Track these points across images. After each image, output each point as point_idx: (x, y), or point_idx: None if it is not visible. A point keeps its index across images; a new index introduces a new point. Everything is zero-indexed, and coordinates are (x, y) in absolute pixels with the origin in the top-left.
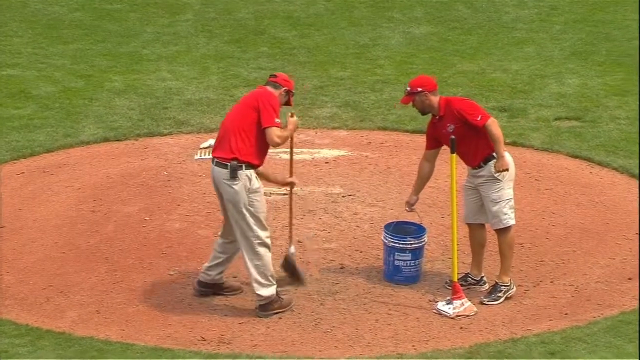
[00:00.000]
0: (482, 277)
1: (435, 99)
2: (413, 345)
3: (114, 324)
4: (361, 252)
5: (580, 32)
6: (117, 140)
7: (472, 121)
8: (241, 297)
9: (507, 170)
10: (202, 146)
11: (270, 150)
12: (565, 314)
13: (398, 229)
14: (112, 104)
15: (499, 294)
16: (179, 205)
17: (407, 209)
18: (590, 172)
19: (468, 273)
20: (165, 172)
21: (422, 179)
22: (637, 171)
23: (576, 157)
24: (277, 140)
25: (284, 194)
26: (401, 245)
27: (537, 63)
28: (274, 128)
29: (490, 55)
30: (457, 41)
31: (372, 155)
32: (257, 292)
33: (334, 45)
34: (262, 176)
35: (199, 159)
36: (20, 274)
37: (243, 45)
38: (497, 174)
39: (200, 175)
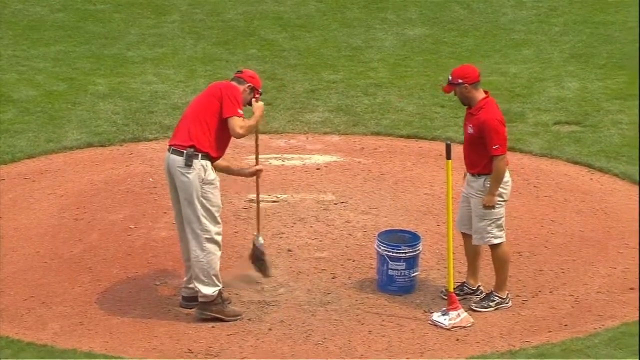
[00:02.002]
0: (479, 286)
1: (477, 93)
2: (407, 358)
3: (98, 336)
4: (354, 261)
5: (581, 33)
6: (101, 145)
7: (489, 144)
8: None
9: (492, 207)
10: None
11: (261, 156)
12: (565, 325)
13: (392, 237)
14: (95, 108)
15: (490, 303)
16: (165, 213)
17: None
18: (591, 179)
19: (464, 282)
20: (151, 179)
21: None
22: (638, 177)
23: (576, 163)
24: (240, 130)
25: (274, 202)
26: (395, 254)
27: (535, 66)
28: (236, 118)
29: (487, 58)
30: (453, 43)
31: (365, 161)
32: (197, 286)
33: (325, 47)
34: (225, 170)
35: None
36: (0, 284)
37: (231, 47)
38: (483, 207)
39: None
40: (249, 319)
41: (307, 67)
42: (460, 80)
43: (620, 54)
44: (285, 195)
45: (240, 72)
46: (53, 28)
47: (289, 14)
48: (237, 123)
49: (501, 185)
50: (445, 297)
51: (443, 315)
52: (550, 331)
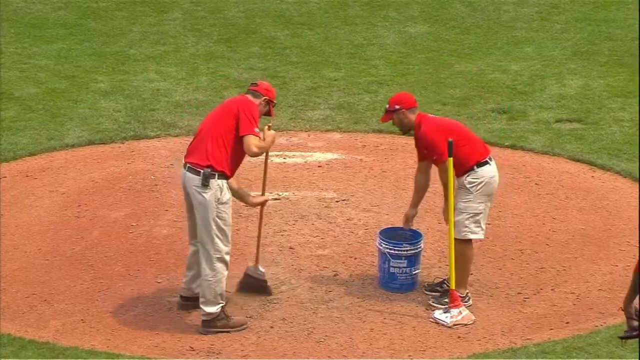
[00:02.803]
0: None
1: (413, 117)
2: (409, 355)
3: (100, 334)
4: (355, 258)
5: (582, 31)
6: (103, 143)
7: (430, 157)
8: (230, 306)
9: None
10: None
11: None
12: (567, 322)
13: (393, 234)
14: (97, 106)
15: (448, 300)
16: (167, 210)
17: (404, 225)
18: (592, 176)
19: (445, 279)
20: (152, 177)
21: (419, 192)
22: (638, 175)
23: (578, 160)
24: (255, 149)
25: (275, 199)
26: (397, 252)
27: (537, 63)
28: (252, 137)
29: (489, 56)
30: (455, 41)
31: (366, 159)
32: (202, 307)
33: (327, 45)
34: (233, 192)
35: None
36: (2, 281)
37: (233, 45)
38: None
39: None
40: (250, 317)
41: (309, 65)
42: (397, 107)
43: (621, 52)
44: (286, 193)
45: (256, 84)
46: (55, 26)
47: (291, 11)
48: (254, 142)
49: (486, 181)
50: (428, 293)
51: (444, 312)
52: (551, 329)
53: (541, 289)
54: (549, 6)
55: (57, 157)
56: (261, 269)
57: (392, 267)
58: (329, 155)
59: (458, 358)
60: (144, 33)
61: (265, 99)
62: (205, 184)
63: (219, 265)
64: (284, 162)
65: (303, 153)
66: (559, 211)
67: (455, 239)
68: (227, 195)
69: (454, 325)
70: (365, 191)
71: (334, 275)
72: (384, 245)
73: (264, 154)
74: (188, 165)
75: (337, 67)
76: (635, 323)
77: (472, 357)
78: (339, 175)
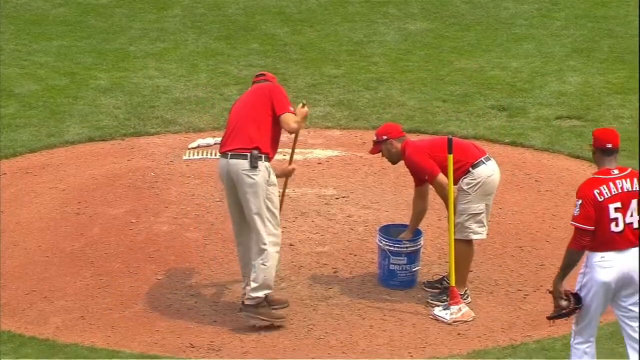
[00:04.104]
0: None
1: (400, 146)
2: (409, 352)
3: (100, 330)
4: (355, 255)
5: (582, 28)
6: (103, 140)
7: (422, 178)
8: (231, 302)
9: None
10: (190, 146)
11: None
12: (567, 319)
13: (393, 231)
14: (97, 103)
15: (447, 298)
16: (166, 207)
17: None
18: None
19: (444, 276)
20: (152, 173)
21: (417, 217)
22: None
23: (577, 157)
24: (294, 125)
25: None
26: (396, 249)
27: (537, 60)
28: (289, 114)
29: (488, 52)
30: (455, 37)
31: (366, 156)
32: (250, 291)
33: (327, 42)
34: None
35: (187, 159)
36: (2, 278)
37: (233, 41)
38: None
39: (188, 177)
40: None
41: (309, 62)
42: (385, 137)
43: (621, 49)
44: (286, 190)
45: (263, 74)
46: (55, 22)
47: (291, 8)
48: (292, 118)
49: (483, 181)
50: (427, 289)
51: (444, 309)
52: (551, 325)
53: (541, 286)
54: (548, 3)
55: (57, 154)
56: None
57: (392, 264)
58: (329, 152)
59: (458, 355)
60: (144, 30)
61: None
62: (254, 166)
63: (273, 249)
64: (284, 159)
65: (303, 150)
66: (559, 208)
67: (456, 239)
68: (273, 177)
69: (454, 322)
70: (365, 188)
71: (334, 272)
72: (383, 242)
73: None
74: (230, 153)
75: (337, 64)
76: (564, 302)
77: (471, 353)
78: (338, 172)
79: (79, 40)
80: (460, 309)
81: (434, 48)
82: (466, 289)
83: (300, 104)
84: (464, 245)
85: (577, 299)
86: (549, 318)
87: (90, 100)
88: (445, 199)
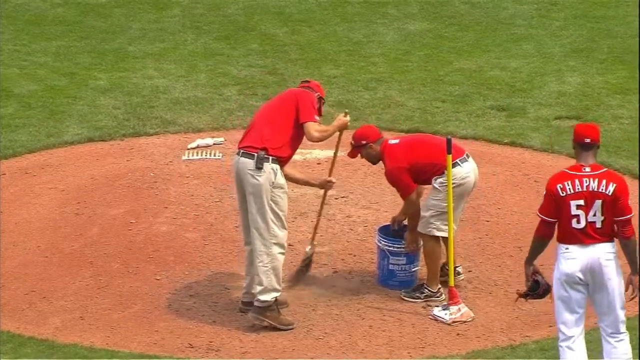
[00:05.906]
0: (456, 267)
1: (379, 148)
2: (408, 353)
3: (99, 331)
4: (355, 255)
5: (581, 28)
6: (102, 140)
7: (398, 192)
8: (230, 302)
9: (414, 249)
10: (189, 147)
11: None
12: None
13: (392, 231)
14: (96, 103)
15: (420, 295)
16: (166, 207)
17: (392, 225)
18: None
19: (424, 283)
20: (151, 174)
21: (414, 215)
22: (638, 172)
23: None
24: (316, 134)
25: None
26: (396, 249)
27: (536, 60)
28: (313, 123)
29: (488, 53)
30: (454, 38)
31: None
32: (257, 294)
33: (326, 42)
34: (292, 177)
35: (186, 159)
36: (1, 278)
37: (232, 42)
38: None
39: (187, 177)
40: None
41: (308, 62)
42: (363, 142)
43: (621, 49)
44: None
45: (308, 82)
46: (54, 23)
47: (290, 8)
48: (314, 127)
49: (457, 182)
50: (405, 299)
51: (444, 309)
52: (551, 325)
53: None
54: (548, 3)
55: (56, 154)
56: (308, 249)
57: (391, 264)
58: (328, 153)
59: (457, 355)
60: (143, 30)
61: (319, 95)
62: (259, 167)
63: (275, 249)
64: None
65: (302, 150)
66: None
67: (422, 234)
68: (281, 179)
69: (453, 322)
70: (365, 188)
71: (334, 272)
72: (383, 243)
73: (337, 138)
74: (242, 150)
75: (336, 64)
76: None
77: (471, 354)
78: (338, 173)
79: (78, 41)
80: (459, 309)
81: (433, 48)
82: (439, 287)
83: (343, 113)
84: (432, 242)
85: (534, 284)
86: (521, 296)
87: (89, 101)
88: (411, 217)
